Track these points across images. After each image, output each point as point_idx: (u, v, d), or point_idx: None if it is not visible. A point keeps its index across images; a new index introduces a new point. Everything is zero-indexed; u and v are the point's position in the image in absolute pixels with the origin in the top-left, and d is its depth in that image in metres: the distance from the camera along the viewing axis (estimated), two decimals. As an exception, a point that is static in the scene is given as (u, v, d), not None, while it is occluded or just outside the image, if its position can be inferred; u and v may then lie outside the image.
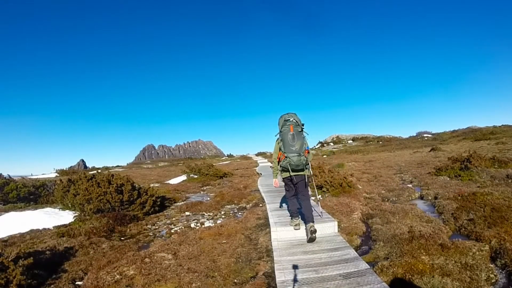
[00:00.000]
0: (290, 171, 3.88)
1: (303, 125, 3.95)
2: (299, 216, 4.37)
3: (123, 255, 4.19)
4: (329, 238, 4.04)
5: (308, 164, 4.04)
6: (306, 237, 3.99)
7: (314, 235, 3.86)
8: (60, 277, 3.67)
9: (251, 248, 4.13)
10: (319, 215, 4.71)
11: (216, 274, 3.37)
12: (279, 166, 4.04)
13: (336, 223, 4.38)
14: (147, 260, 3.84)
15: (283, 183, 4.23)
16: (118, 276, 3.46)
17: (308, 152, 3.97)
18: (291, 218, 4.36)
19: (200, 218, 6.34)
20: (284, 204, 5.68)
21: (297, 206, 4.27)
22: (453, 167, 8.25)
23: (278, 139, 4.00)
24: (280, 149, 3.93)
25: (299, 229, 4.23)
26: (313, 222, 3.94)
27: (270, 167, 16.92)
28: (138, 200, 6.83)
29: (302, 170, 3.95)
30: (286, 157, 3.85)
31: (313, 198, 6.34)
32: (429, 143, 25.36)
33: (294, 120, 3.89)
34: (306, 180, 4.02)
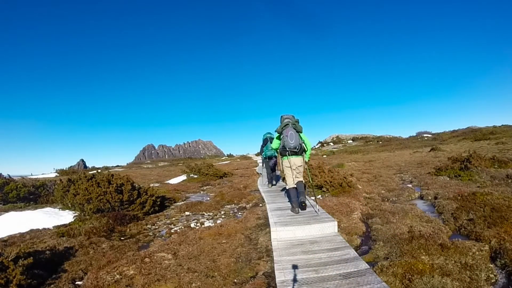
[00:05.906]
0: (268, 154, 8.36)
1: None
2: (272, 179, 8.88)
3: (123, 255, 4.20)
4: (329, 238, 4.05)
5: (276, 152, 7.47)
6: (305, 237, 4.15)
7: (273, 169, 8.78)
8: (60, 277, 3.67)
9: (251, 248, 4.13)
10: (317, 213, 4.75)
11: (216, 274, 3.37)
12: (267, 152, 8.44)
13: (336, 223, 4.38)
14: (147, 260, 3.84)
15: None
16: (118, 276, 3.46)
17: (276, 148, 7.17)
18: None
19: (200, 218, 6.34)
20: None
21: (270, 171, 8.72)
22: (453, 167, 8.25)
23: (265, 138, 8.32)
24: (265, 144, 8.31)
25: (270, 184, 8.72)
26: (276, 178, 9.07)
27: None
28: (138, 200, 6.83)
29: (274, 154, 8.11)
30: (269, 148, 8.06)
31: (312, 198, 6.53)
32: (429, 143, 25.36)
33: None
34: (275, 159, 8.17)
